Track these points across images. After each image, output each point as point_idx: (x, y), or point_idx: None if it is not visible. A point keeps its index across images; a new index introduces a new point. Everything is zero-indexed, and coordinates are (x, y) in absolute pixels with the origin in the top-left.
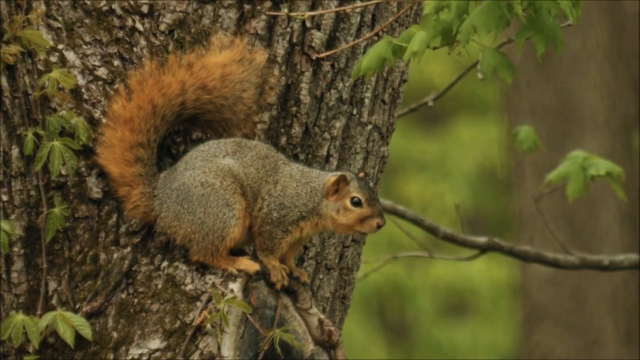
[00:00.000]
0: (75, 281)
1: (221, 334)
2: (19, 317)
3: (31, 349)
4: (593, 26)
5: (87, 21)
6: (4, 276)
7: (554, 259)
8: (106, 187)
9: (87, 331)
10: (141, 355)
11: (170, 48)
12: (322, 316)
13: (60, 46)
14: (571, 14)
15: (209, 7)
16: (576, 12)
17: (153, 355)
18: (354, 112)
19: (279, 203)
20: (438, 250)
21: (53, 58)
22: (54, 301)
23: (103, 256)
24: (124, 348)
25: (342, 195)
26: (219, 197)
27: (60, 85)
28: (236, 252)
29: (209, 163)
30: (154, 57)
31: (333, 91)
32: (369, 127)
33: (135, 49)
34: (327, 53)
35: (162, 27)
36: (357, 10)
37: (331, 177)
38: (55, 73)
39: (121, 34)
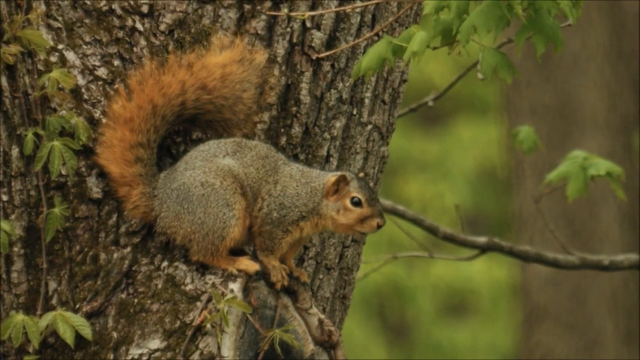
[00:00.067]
0: (75, 281)
1: (221, 334)
2: (19, 317)
3: (31, 349)
4: (593, 26)
5: (87, 21)
6: (4, 276)
7: (554, 259)
8: (106, 187)
9: (87, 331)
10: (141, 355)
11: (170, 48)
12: (322, 316)
13: (60, 46)
14: (571, 14)
15: (209, 7)
16: (576, 12)
17: (153, 355)
18: (354, 112)
19: (279, 203)
20: (438, 250)
21: (53, 58)
22: (54, 301)
23: (103, 256)
24: (124, 348)
25: (342, 195)
26: (219, 197)
27: (60, 85)
28: (236, 252)
29: (209, 163)
30: (154, 57)
31: (333, 91)
32: (369, 127)
33: (135, 49)
34: (327, 53)
35: (163, 27)
36: (357, 10)
37: (331, 177)
38: (55, 73)
39: (121, 34)
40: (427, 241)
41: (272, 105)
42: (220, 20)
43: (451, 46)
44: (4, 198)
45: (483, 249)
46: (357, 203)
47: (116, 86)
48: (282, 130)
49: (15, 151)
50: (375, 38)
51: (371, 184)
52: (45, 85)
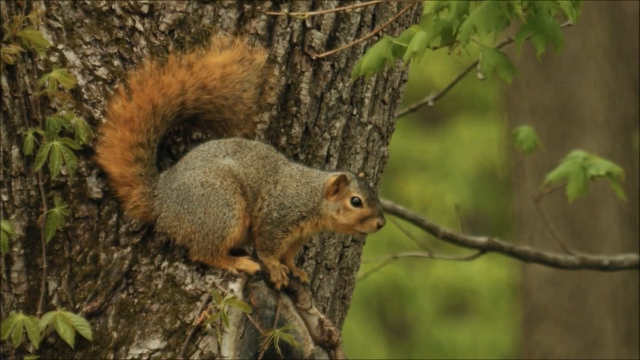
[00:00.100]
0: (75, 281)
1: (221, 334)
2: (19, 317)
3: (31, 349)
4: (593, 26)
5: (87, 21)
6: (4, 276)
7: (554, 259)
8: (106, 187)
9: (87, 331)
10: (141, 355)
11: (170, 48)
12: (322, 316)
13: (60, 46)
14: (571, 14)
15: (209, 7)
16: (576, 12)
17: (153, 355)
18: (354, 112)
19: (279, 203)
20: (438, 250)
21: (53, 58)
22: (54, 301)
23: (103, 256)
24: (124, 348)
25: (342, 195)
26: (219, 197)
27: (60, 85)
28: (236, 252)
29: (209, 163)
30: (154, 57)
31: (333, 91)
32: (369, 127)
33: (135, 49)
34: (327, 53)
35: (163, 27)
36: (357, 10)
37: (331, 177)
38: (55, 73)
39: (121, 34)
40: (427, 241)
41: (272, 105)
42: (220, 20)
43: (451, 46)
44: (4, 198)
45: (483, 249)
46: (357, 203)
47: (116, 86)
48: (282, 130)
49: (15, 151)
50: (375, 38)
51: (371, 184)
52: (45, 85)
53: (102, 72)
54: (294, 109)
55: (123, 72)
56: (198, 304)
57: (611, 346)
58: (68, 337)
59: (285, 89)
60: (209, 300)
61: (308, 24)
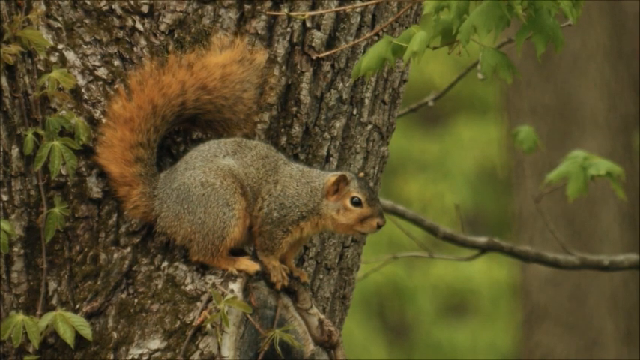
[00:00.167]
0: (75, 281)
1: (221, 334)
2: (19, 317)
3: (31, 349)
4: (593, 26)
5: (87, 21)
6: (4, 276)
7: (554, 259)
8: (106, 187)
9: (87, 331)
10: (141, 355)
11: (170, 48)
12: (322, 316)
13: (60, 46)
14: (571, 14)
15: (209, 7)
16: (576, 12)
17: (153, 355)
18: (354, 112)
19: (279, 203)
20: (438, 250)
21: (53, 58)
22: (54, 301)
23: (103, 256)
24: (124, 348)
25: (342, 195)
26: (219, 197)
27: (60, 85)
28: (236, 252)
29: (209, 163)
30: (154, 57)
31: (333, 91)
32: (369, 127)
33: (135, 49)
34: (327, 53)
35: (163, 27)
36: (357, 10)
37: (331, 177)
38: (55, 73)
39: (121, 34)
40: (427, 241)
41: (272, 105)
42: (220, 20)
43: (451, 46)
44: (4, 198)
45: (483, 249)
46: (357, 203)
47: (116, 86)
48: (282, 130)
49: (15, 151)
50: (375, 38)
51: (371, 184)
52: (45, 85)
53: (102, 72)
54: (294, 109)
55: (123, 72)
56: (199, 304)
57: (611, 346)
58: (68, 337)
59: (285, 89)
60: (209, 300)
61: (308, 24)
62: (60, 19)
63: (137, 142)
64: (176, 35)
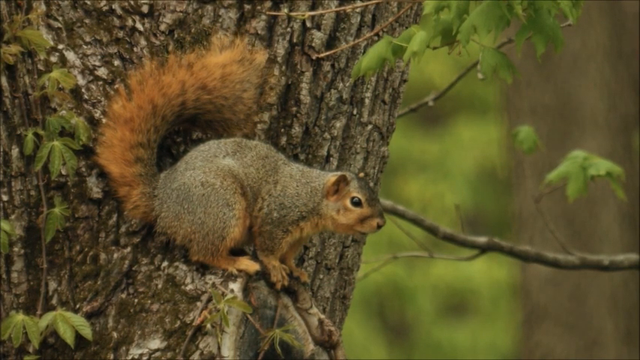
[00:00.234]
0: (75, 281)
1: (221, 334)
2: (19, 317)
3: (31, 349)
4: (593, 26)
5: (87, 21)
6: (4, 276)
7: (554, 259)
8: (106, 187)
9: (87, 331)
10: (141, 355)
11: (170, 48)
12: (322, 316)
13: (60, 46)
14: (571, 14)
15: (209, 7)
16: (576, 12)
17: (153, 355)
18: (354, 112)
19: (279, 203)
20: (438, 250)
21: (53, 58)
22: (54, 301)
23: (103, 256)
24: (124, 348)
25: (343, 195)
26: (219, 197)
27: (60, 85)
28: (236, 252)
29: (209, 163)
30: (154, 57)
31: (333, 91)
32: (369, 127)
33: (135, 49)
34: (327, 53)
35: (163, 27)
36: (357, 10)
37: (331, 177)
38: (55, 73)
39: (121, 34)
40: (427, 241)
41: (272, 105)
42: (220, 20)
43: (451, 46)
44: (4, 198)
45: (483, 249)
46: (357, 203)
47: (116, 86)
48: (282, 130)
49: (15, 151)
50: (375, 38)
51: (371, 184)
52: (45, 85)
53: (102, 72)
54: (294, 109)
55: (123, 72)
56: (199, 304)
57: (611, 346)
58: (68, 337)
59: (285, 89)
60: (209, 300)
61: (308, 24)
62: (60, 19)
63: (137, 142)
64: (176, 35)
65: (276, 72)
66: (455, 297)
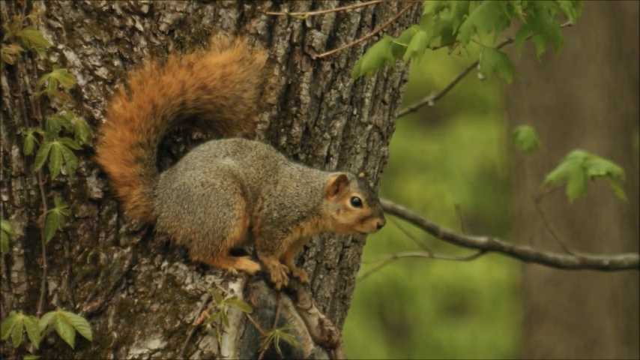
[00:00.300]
0: (75, 281)
1: (221, 334)
2: (19, 317)
3: (31, 349)
4: (593, 26)
5: (87, 21)
6: (4, 276)
7: (554, 259)
8: (106, 187)
9: (87, 331)
10: (141, 355)
11: (170, 48)
12: (322, 316)
13: (60, 46)
14: (571, 14)
15: (209, 7)
16: (576, 12)
17: (153, 355)
18: (354, 112)
19: (279, 203)
20: (438, 250)
21: (53, 58)
22: (54, 301)
23: (103, 256)
24: (124, 348)
25: (343, 195)
26: (219, 197)
27: (60, 85)
28: (236, 252)
29: (209, 164)
30: (154, 57)
31: (333, 91)
32: (369, 127)
33: (135, 49)
34: (327, 53)
35: (163, 27)
36: (357, 10)
37: (331, 177)
38: (55, 73)
39: (121, 34)
40: (427, 241)
41: (272, 105)
42: (220, 20)
43: (451, 46)
44: (4, 198)
45: (483, 249)
46: (357, 203)
47: (116, 86)
48: (282, 130)
49: (15, 151)
50: (375, 38)
51: (371, 184)
52: (45, 85)
53: (102, 72)
54: (294, 109)
55: (123, 72)
56: (199, 304)
57: (611, 346)
58: (68, 337)
59: (285, 89)
60: (209, 300)
61: (308, 24)
62: (60, 19)
63: (137, 142)
64: (176, 35)
65: (276, 72)
66: (455, 297)
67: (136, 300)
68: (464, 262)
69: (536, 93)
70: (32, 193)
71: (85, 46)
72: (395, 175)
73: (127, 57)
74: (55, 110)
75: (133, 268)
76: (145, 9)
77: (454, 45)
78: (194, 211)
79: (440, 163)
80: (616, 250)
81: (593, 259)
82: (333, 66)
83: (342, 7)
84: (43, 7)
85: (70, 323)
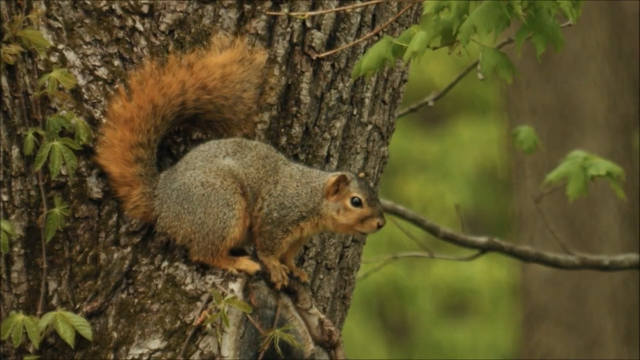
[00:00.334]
0: (75, 281)
1: (221, 334)
2: (20, 317)
3: (31, 349)
4: (593, 26)
5: (87, 21)
6: (4, 276)
7: (554, 259)
8: (106, 187)
9: (87, 331)
10: (141, 355)
11: (170, 48)
12: (322, 316)
13: (60, 46)
14: (571, 14)
15: (209, 7)
16: (576, 12)
17: (153, 355)
18: (355, 112)
19: (279, 203)
20: (438, 250)
21: (53, 58)
22: (54, 301)
23: (103, 256)
24: (124, 348)
25: (343, 195)
26: (219, 197)
27: (60, 85)
28: (236, 252)
29: (209, 164)
30: (154, 57)
31: (333, 91)
32: (369, 127)
33: (135, 49)
34: (328, 53)
35: (163, 27)
36: (357, 10)
37: (331, 177)
38: (55, 73)
39: (121, 34)
40: (427, 241)
41: (272, 105)
42: (220, 20)
43: (451, 46)
44: (4, 198)
45: (483, 249)
46: (357, 203)
47: (116, 86)
48: (283, 130)
49: (15, 151)
50: (375, 38)
51: (371, 184)
52: (45, 85)
53: (102, 72)
54: (294, 109)
55: (123, 72)
56: (199, 304)
57: (611, 346)
58: (68, 337)
59: (285, 89)
60: (209, 300)
61: (308, 24)
62: (60, 19)
63: (137, 142)
64: (176, 35)
65: (276, 72)
66: (455, 297)
67: (136, 300)
68: (464, 262)
69: (536, 93)
70: (32, 193)
71: (85, 46)
72: (395, 175)
73: (127, 57)
74: (55, 110)
75: (133, 268)
76: (145, 9)
77: (454, 45)
78: (194, 211)
79: (440, 163)
80: (616, 250)
81: (593, 259)
82: (333, 66)
83: (342, 7)
84: (43, 7)
85: (70, 323)
